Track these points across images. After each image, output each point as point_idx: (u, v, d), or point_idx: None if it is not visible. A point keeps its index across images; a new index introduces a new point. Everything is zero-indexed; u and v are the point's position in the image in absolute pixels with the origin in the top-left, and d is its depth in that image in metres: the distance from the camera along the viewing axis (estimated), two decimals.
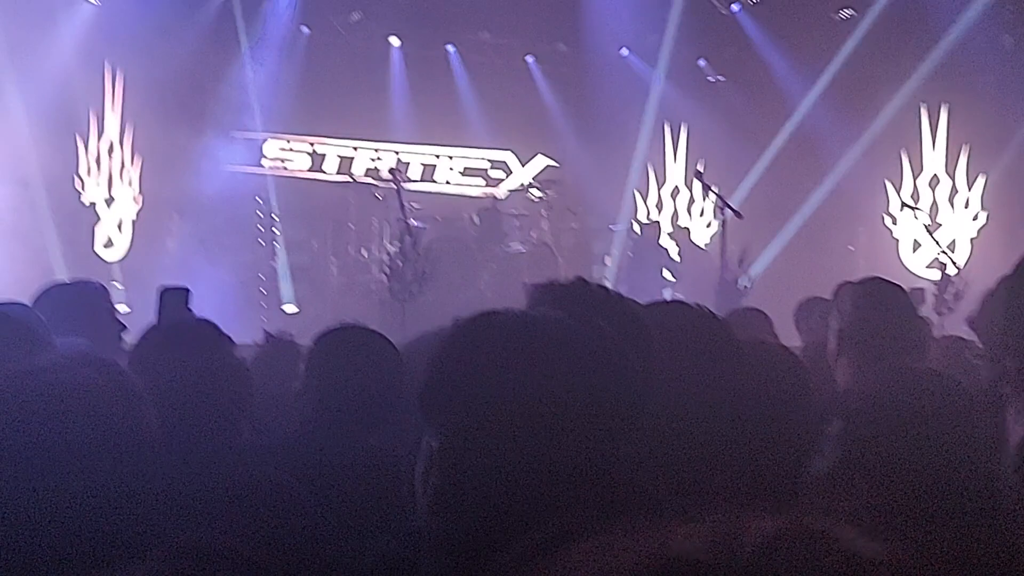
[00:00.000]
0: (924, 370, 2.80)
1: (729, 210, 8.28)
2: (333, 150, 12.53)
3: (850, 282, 3.21)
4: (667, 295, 12.42)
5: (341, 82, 11.85)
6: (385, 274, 8.24)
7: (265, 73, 11.18)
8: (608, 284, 10.00)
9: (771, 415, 1.99)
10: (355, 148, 12.58)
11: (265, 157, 12.00)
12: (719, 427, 1.76)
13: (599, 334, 1.22)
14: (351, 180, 11.45)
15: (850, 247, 12.51)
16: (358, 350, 2.54)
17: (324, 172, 12.35)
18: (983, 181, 12.73)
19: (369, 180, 11.25)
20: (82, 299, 3.31)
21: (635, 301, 2.06)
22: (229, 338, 2.29)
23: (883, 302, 3.05)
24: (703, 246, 13.02)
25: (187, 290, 3.09)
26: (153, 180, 10.60)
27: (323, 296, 10.76)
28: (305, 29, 11.72)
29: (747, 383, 1.91)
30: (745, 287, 8.45)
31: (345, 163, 12.48)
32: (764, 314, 3.93)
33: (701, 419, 1.73)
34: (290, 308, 10.68)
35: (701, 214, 13.21)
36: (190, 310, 3.11)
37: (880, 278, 3.24)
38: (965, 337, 4.14)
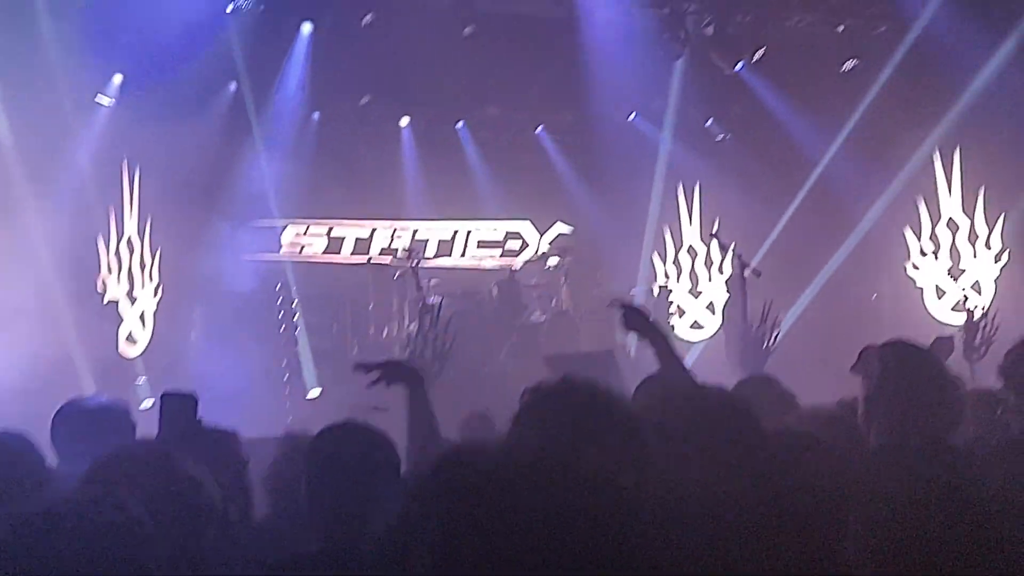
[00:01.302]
0: (948, 447, 2.74)
1: (748, 268, 8.21)
2: (350, 232, 12.64)
3: (873, 346, 3.13)
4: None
5: (354, 164, 12.00)
6: (406, 354, 8.19)
7: (279, 160, 11.32)
8: (630, 352, 9.89)
9: (796, 509, 1.91)
10: (372, 229, 12.68)
11: (283, 244, 12.11)
12: (743, 526, 1.69)
13: (579, 460, 1.17)
14: (368, 261, 11.52)
15: (874, 297, 12.38)
16: (353, 450, 2.53)
17: (341, 254, 12.43)
18: (1002, 220, 12.62)
19: (386, 260, 11.31)
20: (101, 425, 3.29)
21: (644, 390, 2.00)
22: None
23: (911, 366, 2.98)
24: (721, 307, 12.94)
25: (194, 398, 3.04)
26: (173, 272, 10.70)
27: (346, 379, 10.70)
28: (316, 115, 11.89)
29: (771, 481, 1.84)
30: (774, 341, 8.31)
31: (362, 244, 12.58)
32: (777, 382, 3.85)
33: (721, 518, 1.66)
34: (314, 393, 10.65)
35: (720, 273, 13.14)
36: (199, 420, 3.06)
37: (904, 340, 3.16)
38: (996, 391, 4.03)
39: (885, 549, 1.89)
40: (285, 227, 12.12)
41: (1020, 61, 11.39)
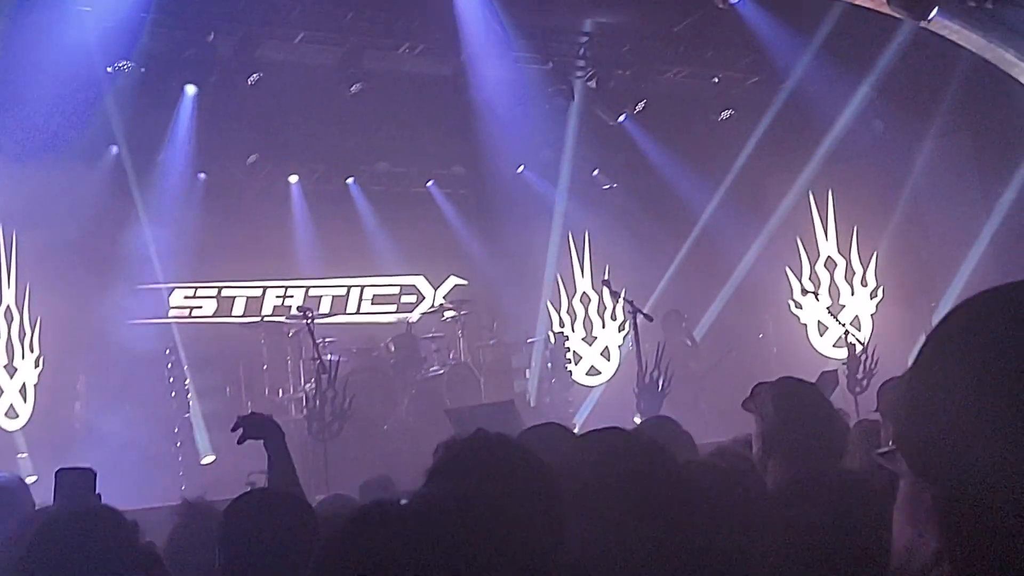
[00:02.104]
0: (842, 471, 2.86)
1: (640, 314, 8.40)
2: (241, 292, 12.40)
3: (764, 383, 3.25)
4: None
5: (243, 224, 11.80)
6: (303, 414, 8.08)
7: (165, 222, 11.08)
8: (531, 399, 9.95)
9: (710, 536, 1.97)
10: (263, 288, 12.47)
11: (171, 307, 11.80)
12: (665, 556, 1.74)
13: (493, 512, 1.18)
14: (260, 320, 11.33)
15: (760, 335, 12.80)
16: (269, 517, 2.48)
17: (232, 316, 12.18)
18: (875, 258, 13.26)
19: (279, 318, 11.14)
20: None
21: (560, 438, 2.04)
22: (133, 524, 2.20)
23: (802, 403, 3.11)
24: (618, 349, 13.18)
25: (91, 472, 2.95)
26: (55, 341, 10.31)
27: (242, 443, 10.45)
28: (202, 175, 11.71)
29: (686, 510, 1.90)
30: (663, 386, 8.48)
31: (253, 304, 12.35)
32: (675, 422, 3.98)
33: (644, 562, 1.71)
34: (208, 459, 10.34)
35: (613, 319, 13.39)
36: (98, 494, 2.96)
37: (793, 378, 3.29)
38: (878, 420, 4.23)
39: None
40: (173, 290, 11.82)
41: (876, 107, 12.10)
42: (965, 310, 0.92)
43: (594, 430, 2.35)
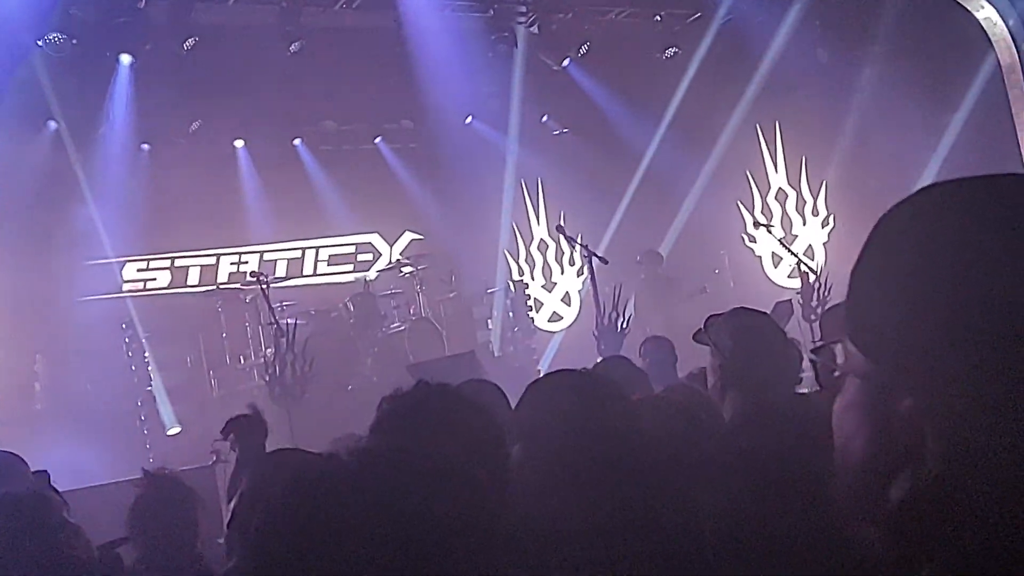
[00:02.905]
0: (798, 397, 2.92)
1: (595, 257, 8.45)
2: (194, 261, 12.27)
3: (717, 315, 3.26)
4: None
5: (191, 193, 11.63)
6: (264, 380, 8.07)
7: (111, 196, 10.90)
8: (494, 348, 10.00)
9: (667, 469, 2.01)
10: (217, 256, 12.35)
11: (124, 281, 11.66)
12: (619, 490, 1.77)
13: (431, 463, 1.20)
14: (216, 289, 11.23)
15: (716, 271, 12.93)
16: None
17: (187, 286, 12.06)
18: (824, 187, 13.41)
19: (235, 285, 11.06)
20: None
21: (497, 393, 2.06)
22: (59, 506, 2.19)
23: (757, 333, 3.13)
24: (578, 293, 13.26)
25: (14, 456, 2.95)
26: (8, 324, 10.16)
27: (206, 412, 10.44)
28: (145, 146, 11.51)
29: (639, 447, 1.94)
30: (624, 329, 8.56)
31: (208, 272, 12.23)
32: (630, 361, 4.02)
33: (596, 491, 1.74)
34: (174, 430, 10.32)
35: (571, 264, 13.45)
36: (43, 471, 2.97)
37: (747, 309, 3.32)
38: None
39: (748, 510, 2.02)
40: (124, 264, 11.67)
41: (820, 38, 12.15)
42: (915, 199, 0.92)
43: (545, 375, 2.38)
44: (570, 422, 1.99)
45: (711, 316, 3.30)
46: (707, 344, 3.22)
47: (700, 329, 3.25)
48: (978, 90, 11.69)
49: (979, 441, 0.75)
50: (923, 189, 0.91)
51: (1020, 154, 11.38)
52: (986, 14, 11.64)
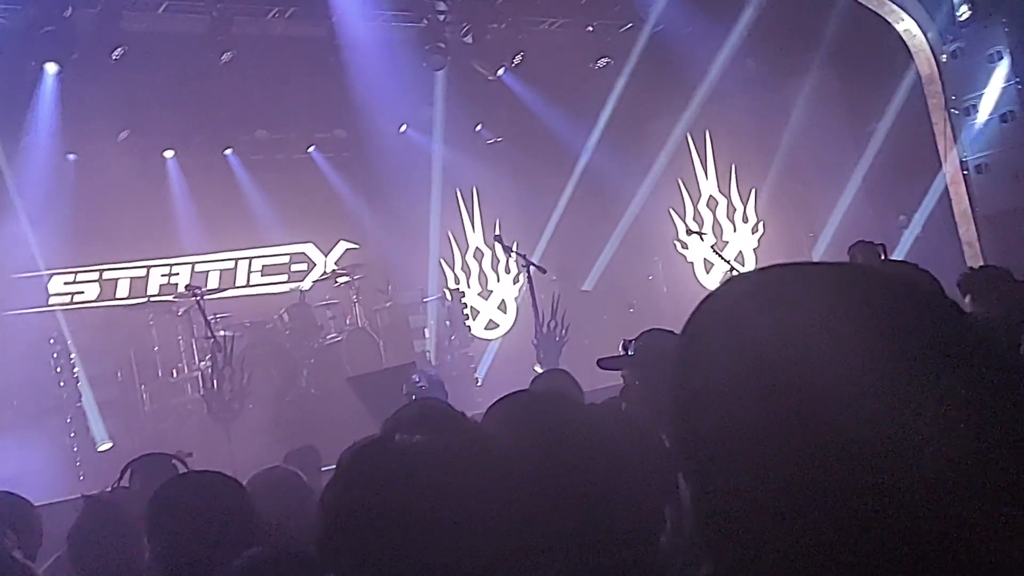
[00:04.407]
0: None
1: (532, 266, 8.51)
2: (124, 274, 12.02)
3: (632, 339, 3.26)
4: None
5: (120, 204, 11.38)
6: (200, 394, 7.96)
7: (37, 209, 10.62)
8: (431, 357, 9.99)
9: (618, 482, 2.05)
10: (147, 268, 12.11)
11: (51, 295, 11.37)
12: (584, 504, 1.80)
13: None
14: (147, 301, 11.03)
15: (650, 277, 13.11)
16: (199, 501, 2.44)
17: (116, 298, 11.80)
18: (754, 194, 13.69)
19: (166, 297, 10.87)
20: None
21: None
22: None
23: (660, 353, 3.13)
24: (514, 301, 13.33)
25: None
26: None
27: (138, 427, 10.25)
28: (72, 156, 11.25)
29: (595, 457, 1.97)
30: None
31: (138, 284, 11.98)
32: (567, 373, 4.06)
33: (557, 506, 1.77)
34: (104, 446, 10.10)
35: (507, 272, 13.51)
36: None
37: (657, 329, 3.33)
38: None
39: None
40: (51, 276, 11.38)
41: (749, 49, 12.42)
42: (716, 302, 0.91)
43: (497, 400, 2.40)
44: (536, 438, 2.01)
45: (624, 341, 3.30)
46: (615, 370, 3.24)
47: (604, 358, 3.26)
48: (901, 99, 12.07)
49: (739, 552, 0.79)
50: (729, 283, 0.92)
51: (939, 161, 11.77)
52: (906, 26, 12.02)
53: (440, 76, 12.17)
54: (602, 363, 3.23)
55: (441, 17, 11.59)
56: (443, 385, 6.42)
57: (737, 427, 0.79)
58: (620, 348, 3.21)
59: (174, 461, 4.14)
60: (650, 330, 3.28)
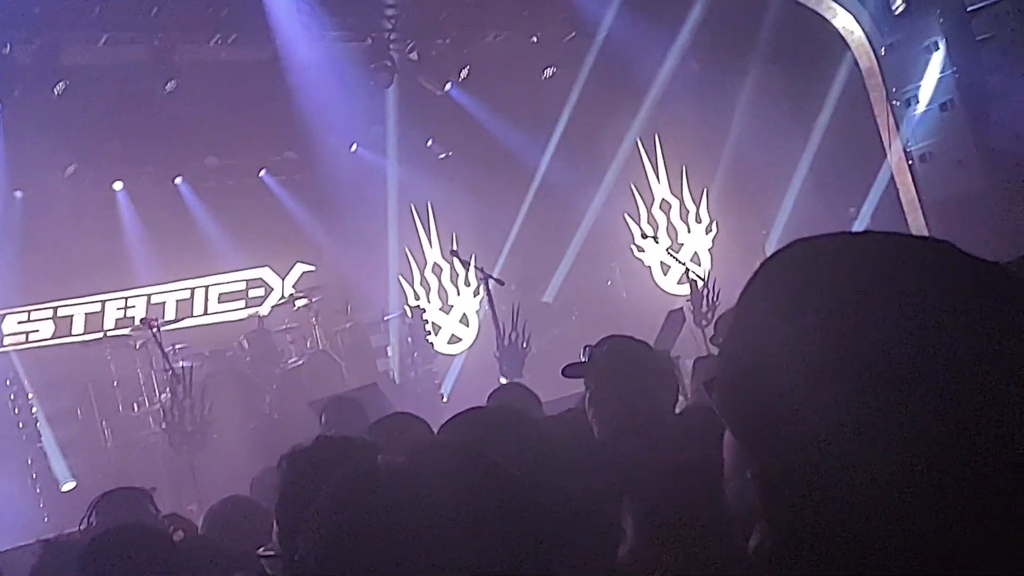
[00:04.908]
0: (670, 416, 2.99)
1: (491, 279, 8.54)
2: (78, 310, 11.85)
3: (593, 346, 3.30)
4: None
5: (71, 239, 11.23)
6: (162, 427, 7.87)
7: None
8: (395, 376, 9.93)
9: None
10: (102, 302, 11.96)
11: (5, 335, 11.18)
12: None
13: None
14: (103, 336, 10.89)
15: (608, 283, 13.19)
16: (129, 556, 2.43)
17: (72, 335, 11.63)
18: (706, 195, 13.84)
19: (123, 331, 10.74)
20: None
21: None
22: None
23: (622, 359, 3.16)
24: (475, 314, 13.33)
25: None
26: None
27: (102, 464, 10.10)
28: (18, 193, 11.10)
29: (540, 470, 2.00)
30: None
31: (94, 320, 11.82)
32: (524, 386, 4.08)
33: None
34: (68, 486, 9.95)
35: (467, 285, 13.52)
36: None
37: (616, 336, 3.36)
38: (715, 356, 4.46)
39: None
40: (4, 317, 11.20)
41: (692, 51, 12.58)
42: (774, 262, 0.90)
43: (449, 420, 2.41)
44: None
45: (586, 347, 3.33)
46: (578, 377, 3.27)
47: (569, 365, 3.28)
48: (842, 92, 12.28)
49: (808, 524, 0.80)
50: (786, 250, 0.90)
51: (884, 151, 11.98)
52: (843, 22, 12.24)
53: (389, 93, 12.17)
54: (566, 371, 3.27)
55: (386, 35, 11.60)
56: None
57: (814, 398, 0.79)
58: (582, 355, 3.25)
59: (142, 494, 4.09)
60: (610, 336, 3.32)
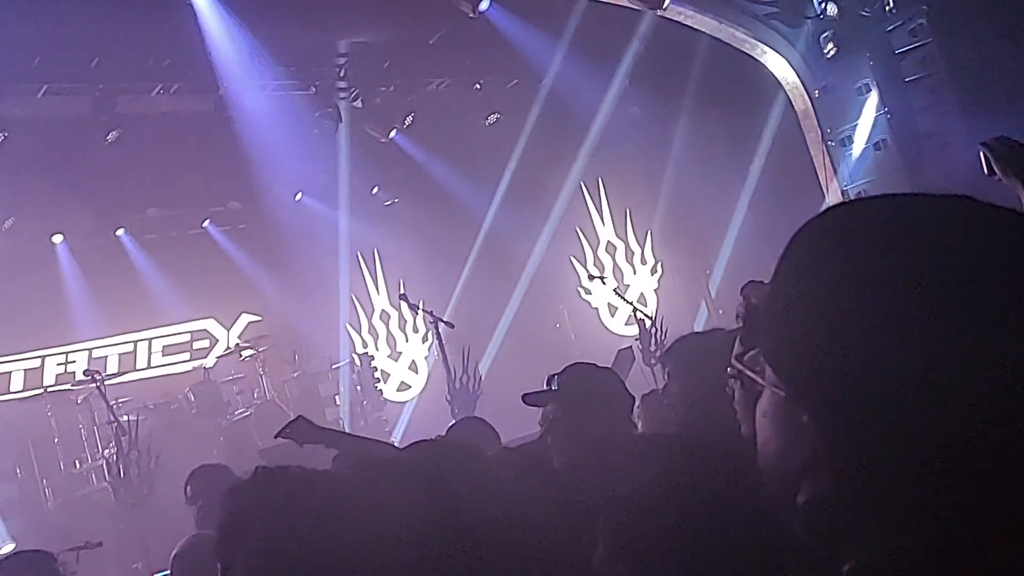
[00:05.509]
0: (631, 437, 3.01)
1: (441, 322, 8.53)
2: (16, 366, 11.55)
3: (556, 374, 3.31)
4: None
5: (8, 293, 10.98)
6: (107, 482, 7.67)
7: None
8: (344, 424, 9.85)
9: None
10: (41, 358, 11.68)
11: None
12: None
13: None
14: (43, 392, 10.62)
15: (557, 325, 13.25)
16: None
17: (11, 392, 11.33)
18: (649, 236, 14.03)
19: (64, 386, 10.50)
20: None
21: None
22: None
23: (578, 386, 3.17)
24: (424, 360, 13.28)
25: None
26: None
27: (44, 524, 9.79)
28: None
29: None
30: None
31: (33, 376, 11.53)
32: (484, 420, 4.07)
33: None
34: (7, 548, 9.61)
35: (415, 331, 13.47)
36: None
37: (582, 363, 3.39)
38: (663, 388, 4.50)
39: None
40: None
41: (631, 95, 12.83)
42: (821, 223, 0.93)
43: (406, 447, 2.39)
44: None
45: (551, 375, 3.33)
46: (538, 406, 3.27)
47: (530, 393, 3.28)
48: (774, 134, 12.59)
49: (872, 453, 0.83)
50: (831, 210, 0.94)
51: (822, 192, 12.27)
52: (775, 66, 12.58)
53: (334, 141, 12.19)
54: (527, 398, 3.26)
55: (330, 83, 11.64)
56: None
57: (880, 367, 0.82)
58: (545, 383, 3.25)
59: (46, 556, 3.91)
60: (574, 364, 3.34)
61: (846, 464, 0.85)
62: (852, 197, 11.85)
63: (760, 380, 0.96)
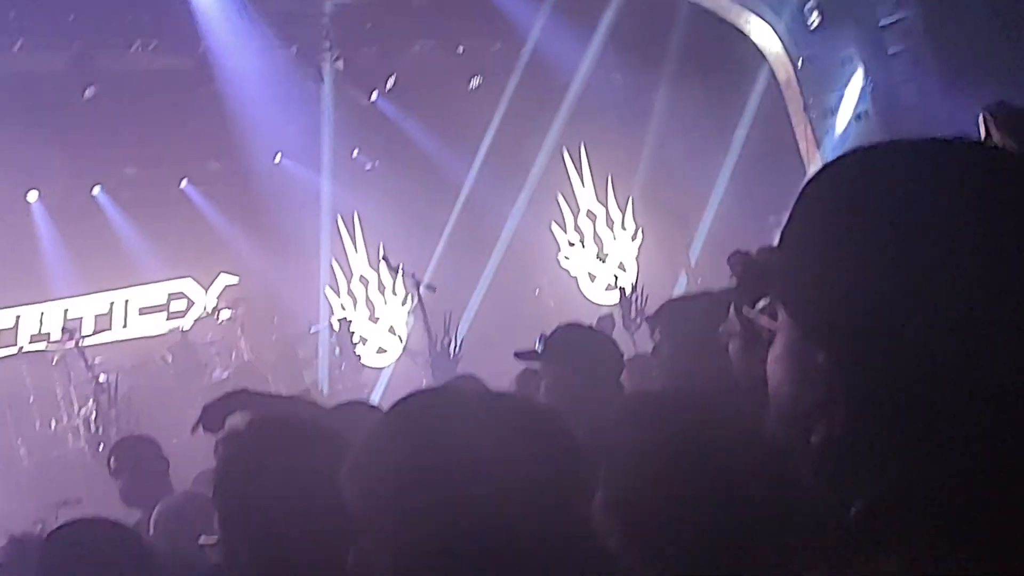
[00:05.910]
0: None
1: (425, 287, 8.52)
2: None
3: (546, 335, 3.33)
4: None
5: None
6: (83, 442, 7.64)
7: None
8: (323, 388, 9.83)
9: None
10: (16, 316, 11.57)
11: None
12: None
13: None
14: (18, 352, 10.54)
15: (536, 291, 13.26)
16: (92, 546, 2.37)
17: None
18: (631, 203, 14.04)
19: (40, 346, 10.41)
20: None
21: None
22: None
23: (571, 341, 3.21)
24: (404, 324, 13.26)
25: None
26: None
27: (17, 484, 9.73)
28: None
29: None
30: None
31: (7, 335, 11.42)
32: (476, 378, 4.09)
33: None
34: None
35: (394, 294, 13.43)
36: None
37: (574, 324, 3.41)
38: (648, 354, 4.52)
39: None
40: None
41: (614, 62, 12.79)
42: (841, 165, 0.93)
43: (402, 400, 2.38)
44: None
45: (542, 335, 3.33)
46: (532, 360, 3.30)
47: (521, 350, 3.31)
48: (757, 103, 12.59)
49: (890, 388, 0.82)
50: (851, 153, 0.94)
51: (803, 162, 12.30)
52: (758, 35, 12.56)
53: (316, 103, 12.07)
54: (519, 354, 3.27)
55: (313, 44, 11.51)
56: None
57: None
58: (536, 343, 3.26)
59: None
60: (566, 324, 3.35)
61: (863, 400, 0.84)
62: None
63: (771, 326, 0.95)
